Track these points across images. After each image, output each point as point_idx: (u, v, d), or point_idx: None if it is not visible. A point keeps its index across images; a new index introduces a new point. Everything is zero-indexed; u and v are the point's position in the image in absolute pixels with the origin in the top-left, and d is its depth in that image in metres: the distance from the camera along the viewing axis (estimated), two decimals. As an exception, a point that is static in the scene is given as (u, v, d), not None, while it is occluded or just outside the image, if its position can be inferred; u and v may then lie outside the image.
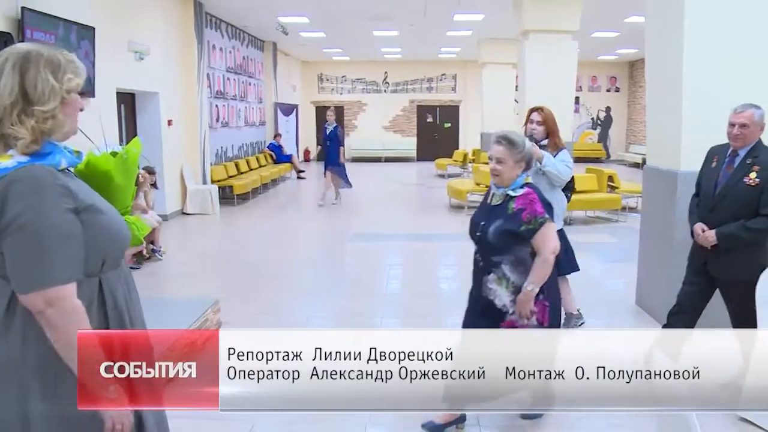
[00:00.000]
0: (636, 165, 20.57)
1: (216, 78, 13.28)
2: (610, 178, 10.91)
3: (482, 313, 3.25)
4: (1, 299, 1.67)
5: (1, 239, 1.60)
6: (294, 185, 16.60)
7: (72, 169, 1.80)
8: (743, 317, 3.81)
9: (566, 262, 4.84)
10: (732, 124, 3.62)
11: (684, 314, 3.92)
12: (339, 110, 23.79)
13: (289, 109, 20.01)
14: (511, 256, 3.14)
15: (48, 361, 1.67)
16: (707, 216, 3.75)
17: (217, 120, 13.40)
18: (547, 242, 3.13)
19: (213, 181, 12.05)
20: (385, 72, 23.74)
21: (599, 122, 24.15)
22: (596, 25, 14.04)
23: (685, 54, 4.58)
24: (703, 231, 3.74)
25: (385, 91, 23.85)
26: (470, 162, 17.41)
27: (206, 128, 12.00)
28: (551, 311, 3.27)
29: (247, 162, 14.96)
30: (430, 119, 24.04)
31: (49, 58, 1.70)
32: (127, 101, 9.95)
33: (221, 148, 13.68)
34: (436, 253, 8.00)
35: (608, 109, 24.06)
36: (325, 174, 12.38)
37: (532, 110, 4.87)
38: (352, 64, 23.33)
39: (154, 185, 8.06)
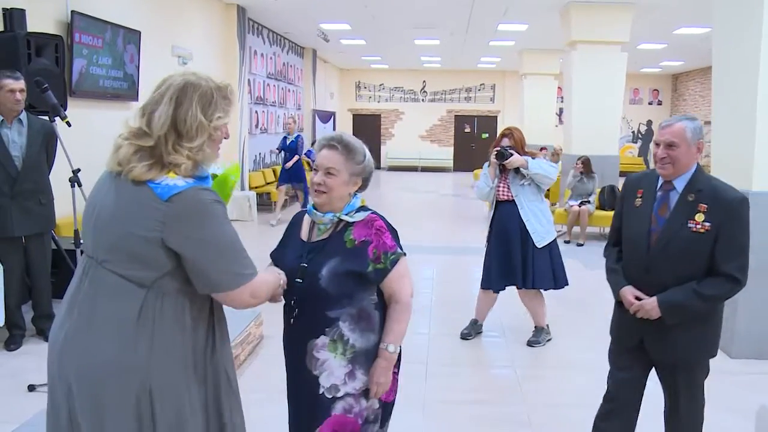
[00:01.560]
0: (679, 180, 20.08)
1: (257, 84, 13.26)
2: (657, 194, 10.56)
3: (296, 394, 2.28)
4: (133, 305, 1.73)
5: (187, 254, 1.74)
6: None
7: None
8: (690, 415, 2.83)
9: (553, 276, 4.79)
10: (657, 144, 2.66)
11: (620, 413, 2.94)
12: (376, 119, 23.74)
13: (326, 116, 19.96)
14: (353, 308, 2.18)
15: (172, 374, 1.76)
16: (641, 277, 2.72)
17: (257, 126, 13.37)
18: (405, 283, 2.26)
19: (251, 188, 12.00)
20: (424, 81, 23.61)
21: (640, 136, 23.69)
22: (644, 37, 13.72)
23: (762, 62, 4.32)
24: (638, 299, 2.70)
25: (422, 100, 23.72)
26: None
27: (246, 134, 11.97)
28: (396, 382, 2.34)
29: (285, 169, 14.89)
30: (467, 129, 23.82)
31: (203, 92, 1.80)
32: (170, 106, 9.94)
33: (259, 154, 13.64)
34: (473, 266, 7.78)
35: (649, 122, 23.58)
36: (278, 188, 11.07)
37: (502, 135, 4.81)
38: (391, 72, 23.27)
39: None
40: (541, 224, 4.74)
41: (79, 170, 3.80)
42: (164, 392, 1.74)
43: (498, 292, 5.00)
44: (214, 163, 1.92)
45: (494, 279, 4.89)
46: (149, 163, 1.74)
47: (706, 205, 2.57)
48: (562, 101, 13.32)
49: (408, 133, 23.66)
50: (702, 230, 2.56)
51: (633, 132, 23.62)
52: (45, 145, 4.58)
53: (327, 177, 2.21)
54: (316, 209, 2.27)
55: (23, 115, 4.49)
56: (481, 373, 4.59)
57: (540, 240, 4.71)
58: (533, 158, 4.70)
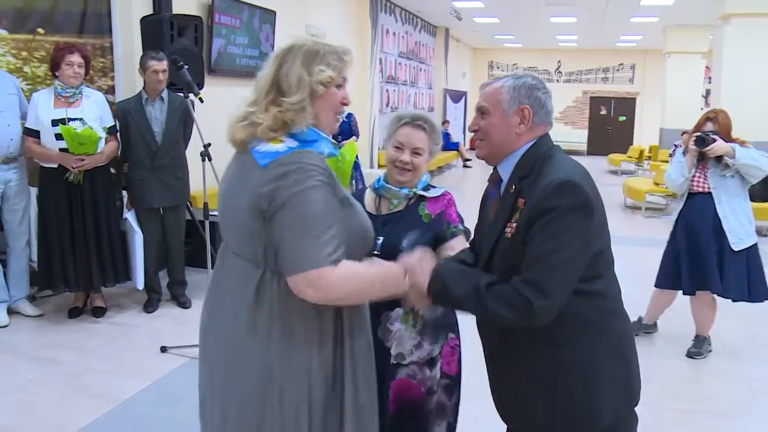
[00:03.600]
0: (844, 170, 18.16)
1: (388, 62, 13.34)
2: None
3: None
4: (249, 287, 1.65)
5: (270, 223, 1.59)
6: (460, 173, 16.40)
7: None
8: None
9: (748, 287, 4.13)
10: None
11: None
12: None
13: (458, 96, 19.79)
14: None
15: (294, 360, 1.64)
16: None
17: (387, 105, 13.47)
18: None
19: (380, 166, 12.13)
20: (558, 61, 22.79)
21: (800, 120, 21.56)
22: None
23: None
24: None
25: (557, 80, 22.89)
26: (647, 159, 16.30)
27: (376, 113, 12.09)
28: (460, 359, 2.36)
29: (413, 148, 14.94)
30: (603, 111, 22.77)
31: (309, 49, 1.68)
32: (302, 84, 10.20)
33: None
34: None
35: (812, 106, 21.40)
36: None
37: (706, 118, 4.23)
38: (524, 51, 22.63)
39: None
40: (740, 223, 4.12)
41: (209, 144, 3.96)
42: (286, 379, 1.65)
43: (673, 290, 4.48)
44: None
45: (669, 277, 4.37)
46: (246, 123, 1.67)
47: (523, 200, 1.71)
48: (709, 82, 12.40)
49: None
50: (509, 234, 1.71)
51: (792, 116, 21.57)
52: (183, 122, 4.84)
53: (414, 156, 2.25)
54: (389, 184, 2.30)
55: (164, 93, 4.76)
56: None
57: (737, 241, 4.09)
58: (741, 146, 4.09)
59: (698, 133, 4.15)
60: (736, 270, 4.12)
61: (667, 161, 13.46)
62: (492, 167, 1.89)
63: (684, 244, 4.29)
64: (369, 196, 2.37)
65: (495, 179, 1.88)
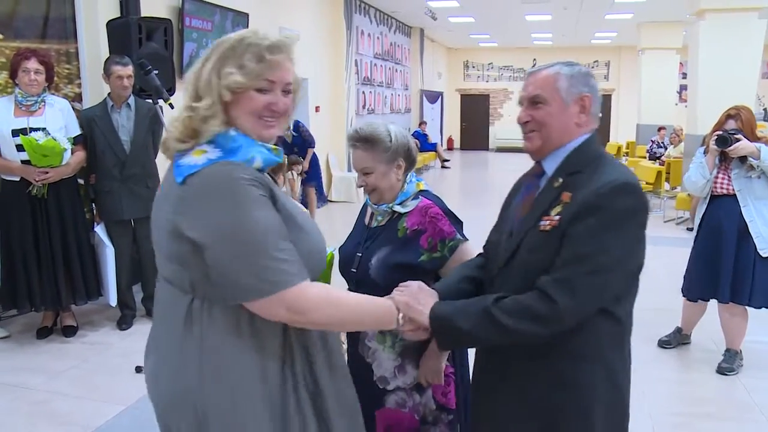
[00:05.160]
0: (817, 162, 18.35)
1: (363, 64, 13.17)
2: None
3: (354, 375, 1.83)
4: (178, 316, 1.45)
5: (203, 256, 1.38)
6: (438, 174, 16.30)
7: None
8: None
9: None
10: (520, 103, 1.75)
11: None
12: (485, 99, 23.23)
13: (434, 97, 19.70)
14: None
15: (231, 401, 1.43)
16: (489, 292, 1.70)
17: (364, 107, 13.30)
18: None
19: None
20: (534, 59, 22.75)
21: (773, 114, 21.82)
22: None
23: None
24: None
25: (532, 78, 22.93)
26: (624, 155, 16.35)
27: (353, 115, 11.94)
28: (459, 385, 2.15)
29: (391, 150, 14.81)
30: (579, 109, 22.84)
31: (228, 45, 1.46)
32: (277, 88, 10.01)
33: (366, 135, 13.60)
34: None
35: (785, 99, 21.67)
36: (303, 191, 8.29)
37: (727, 116, 3.99)
38: (500, 51, 22.64)
39: (301, 174, 7.96)
40: None
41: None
42: (223, 422, 1.43)
43: (704, 301, 4.28)
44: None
45: (698, 287, 4.19)
46: (178, 136, 1.46)
47: (571, 194, 1.56)
48: (684, 78, 12.44)
49: (517, 113, 22.90)
50: (548, 227, 1.55)
51: (765, 110, 21.79)
52: (151, 129, 4.64)
53: (366, 176, 2.12)
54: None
55: (131, 100, 4.56)
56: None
57: (765, 247, 3.89)
58: (767, 146, 3.86)
59: (719, 132, 3.94)
60: (763, 277, 3.93)
61: (644, 157, 13.51)
62: (534, 161, 1.74)
63: (708, 249, 4.10)
64: (366, 209, 2.29)
65: (537, 172, 1.71)
